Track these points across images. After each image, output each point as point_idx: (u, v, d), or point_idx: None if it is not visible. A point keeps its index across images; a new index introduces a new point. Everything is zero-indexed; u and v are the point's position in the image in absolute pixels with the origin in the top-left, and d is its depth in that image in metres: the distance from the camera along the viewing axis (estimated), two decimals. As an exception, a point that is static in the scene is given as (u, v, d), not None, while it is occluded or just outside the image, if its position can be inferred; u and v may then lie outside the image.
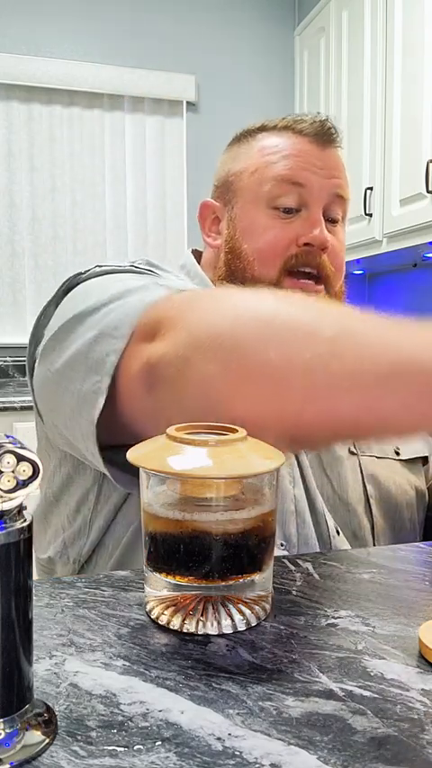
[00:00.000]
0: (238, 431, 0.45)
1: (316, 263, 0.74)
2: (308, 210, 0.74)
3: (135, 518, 0.65)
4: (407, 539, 0.76)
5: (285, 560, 0.54)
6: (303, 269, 0.74)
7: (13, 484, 0.29)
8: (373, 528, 0.72)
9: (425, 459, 0.83)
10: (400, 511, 0.75)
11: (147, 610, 0.44)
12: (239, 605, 0.42)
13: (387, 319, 0.44)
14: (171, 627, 0.42)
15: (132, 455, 0.42)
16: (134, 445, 0.43)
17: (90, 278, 0.65)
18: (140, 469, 0.43)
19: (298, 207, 0.75)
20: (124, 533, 0.66)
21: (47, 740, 0.30)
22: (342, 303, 0.79)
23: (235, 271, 0.77)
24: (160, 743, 0.30)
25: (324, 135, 0.77)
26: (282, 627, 0.42)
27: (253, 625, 0.42)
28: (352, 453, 0.76)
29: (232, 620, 0.42)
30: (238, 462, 0.41)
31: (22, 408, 2.16)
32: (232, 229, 0.79)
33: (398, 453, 0.80)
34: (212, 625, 0.41)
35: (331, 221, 0.76)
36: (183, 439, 0.42)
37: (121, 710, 0.33)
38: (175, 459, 0.41)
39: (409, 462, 0.80)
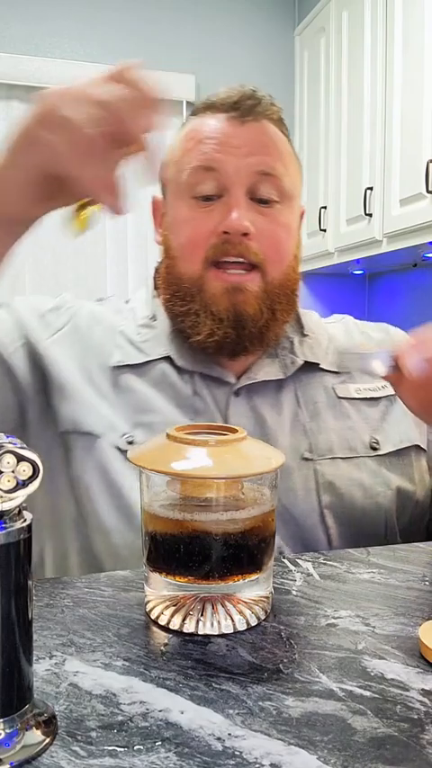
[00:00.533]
0: (238, 431, 0.45)
1: (237, 252, 0.66)
2: (228, 195, 0.67)
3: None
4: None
5: (285, 560, 0.54)
6: (226, 259, 0.67)
7: (13, 484, 0.29)
8: (329, 540, 0.66)
9: (420, 449, 0.74)
10: (370, 517, 0.68)
11: (147, 610, 0.44)
12: (239, 605, 0.42)
13: None
14: (171, 627, 0.42)
15: (133, 455, 0.42)
16: None
17: None
18: (141, 469, 0.43)
19: (218, 193, 0.67)
20: None
21: (47, 740, 0.30)
22: (290, 294, 0.72)
23: (169, 271, 0.72)
24: (160, 743, 0.30)
25: (241, 108, 0.68)
26: (282, 627, 0.42)
27: (253, 625, 0.42)
28: (306, 460, 0.68)
29: (232, 620, 0.42)
30: (238, 462, 0.41)
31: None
32: (165, 225, 0.74)
33: (375, 448, 0.72)
34: (212, 625, 0.41)
35: (262, 202, 0.68)
36: (183, 439, 0.42)
37: (121, 710, 0.33)
38: (176, 460, 0.41)
39: (392, 457, 0.72)
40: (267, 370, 0.71)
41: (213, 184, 0.67)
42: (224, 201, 0.67)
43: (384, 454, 0.71)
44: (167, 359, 0.70)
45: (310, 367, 0.73)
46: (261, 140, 0.68)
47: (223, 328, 0.67)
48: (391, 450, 0.72)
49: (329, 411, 0.71)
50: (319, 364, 0.73)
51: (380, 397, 0.73)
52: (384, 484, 0.70)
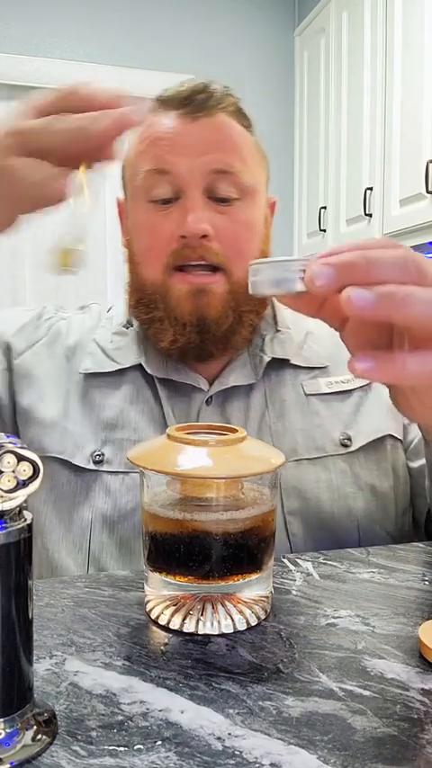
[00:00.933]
0: (238, 431, 0.45)
1: (198, 255, 0.64)
2: (184, 197, 0.64)
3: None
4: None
5: (285, 560, 0.54)
6: (188, 263, 0.64)
7: (13, 484, 0.29)
8: (291, 548, 0.63)
9: (396, 439, 0.70)
10: (339, 521, 0.65)
11: (147, 609, 0.44)
12: (239, 605, 0.42)
13: None
14: (171, 626, 0.42)
15: (133, 455, 0.43)
16: None
17: None
18: (141, 469, 0.43)
19: (174, 195, 0.65)
20: None
21: (47, 740, 0.30)
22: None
23: (132, 277, 0.70)
24: (160, 742, 0.31)
25: (192, 103, 0.65)
26: (282, 627, 0.42)
27: (253, 625, 0.42)
28: None
29: (232, 619, 0.42)
30: (238, 462, 0.41)
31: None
32: (127, 229, 0.72)
33: (346, 445, 0.68)
34: (212, 625, 0.41)
35: (221, 201, 0.65)
36: (183, 439, 0.42)
37: (121, 710, 0.33)
38: (176, 460, 0.41)
39: (366, 451, 0.68)
40: (238, 374, 0.68)
41: (168, 187, 0.65)
42: (181, 204, 0.65)
43: (356, 450, 0.68)
44: (139, 367, 0.69)
45: (280, 364, 0.70)
46: (214, 137, 0.65)
47: (186, 334, 0.65)
48: (363, 443, 0.68)
49: (296, 410, 0.68)
50: (288, 360, 0.70)
51: (352, 390, 0.70)
52: (355, 484, 0.67)
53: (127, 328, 0.72)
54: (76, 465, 0.65)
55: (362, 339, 0.41)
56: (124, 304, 0.74)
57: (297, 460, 0.66)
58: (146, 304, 0.67)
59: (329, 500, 0.65)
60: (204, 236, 0.63)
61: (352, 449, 0.67)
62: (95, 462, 0.65)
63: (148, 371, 0.68)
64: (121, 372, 0.69)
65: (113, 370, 0.69)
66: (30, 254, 2.72)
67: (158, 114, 0.67)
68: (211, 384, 0.69)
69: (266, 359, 0.69)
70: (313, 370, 0.71)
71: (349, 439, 0.68)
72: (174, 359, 0.68)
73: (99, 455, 0.65)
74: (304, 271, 0.37)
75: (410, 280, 0.34)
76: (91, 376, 0.69)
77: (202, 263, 0.64)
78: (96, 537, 0.63)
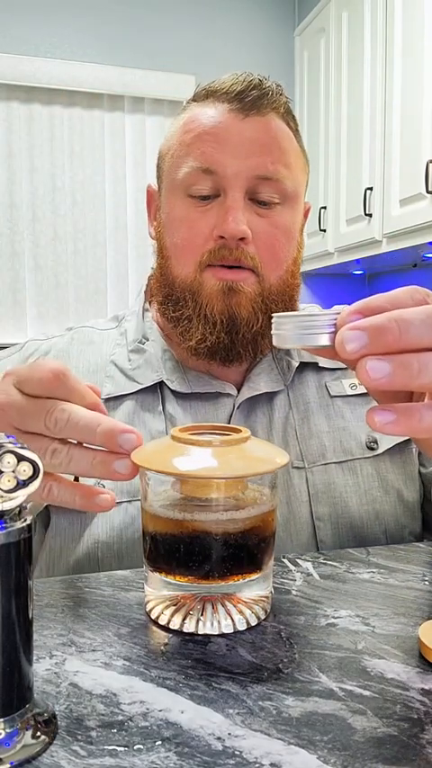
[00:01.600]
0: (241, 431, 0.45)
1: (234, 257, 0.63)
2: (225, 196, 0.63)
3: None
4: None
5: (285, 560, 0.54)
6: (222, 263, 0.63)
7: (13, 484, 0.29)
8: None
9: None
10: (367, 526, 0.65)
11: (147, 609, 0.44)
12: (239, 605, 0.42)
13: None
14: (171, 626, 0.42)
15: (136, 456, 0.42)
16: None
17: None
18: (141, 470, 0.43)
19: (215, 193, 0.64)
20: None
21: (47, 740, 0.30)
22: (287, 301, 0.67)
23: (162, 272, 0.68)
24: (160, 742, 0.30)
25: (246, 98, 0.63)
26: (282, 627, 0.42)
27: (253, 625, 0.42)
28: (297, 468, 0.65)
29: (232, 619, 0.42)
30: (242, 462, 0.41)
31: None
32: (159, 221, 0.70)
33: (372, 448, 0.67)
34: (212, 625, 0.41)
35: (262, 204, 0.64)
36: (186, 439, 0.42)
37: (121, 710, 0.33)
38: (180, 460, 0.41)
39: (392, 454, 0.67)
40: (267, 379, 0.67)
41: (210, 184, 0.63)
42: (221, 202, 0.63)
43: (382, 453, 0.67)
44: (161, 384, 0.67)
45: (306, 366, 0.70)
46: (263, 140, 0.63)
47: (216, 333, 0.64)
48: (388, 446, 0.67)
49: (321, 412, 0.68)
50: (317, 363, 0.69)
51: None
52: (382, 488, 0.66)
53: (143, 343, 0.70)
54: None
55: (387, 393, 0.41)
56: (136, 319, 0.72)
57: (325, 464, 0.66)
58: (175, 301, 0.66)
59: (358, 505, 0.65)
60: (242, 239, 0.62)
61: (378, 452, 0.67)
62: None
63: (171, 387, 0.66)
64: (140, 392, 0.66)
65: (134, 390, 0.66)
66: (29, 253, 2.72)
67: (206, 105, 0.65)
68: (238, 389, 0.67)
69: (295, 363, 0.69)
70: (336, 371, 0.70)
71: (375, 442, 0.67)
72: (199, 359, 0.66)
73: (99, 486, 0.62)
74: (331, 326, 0.37)
75: None
76: (108, 401, 0.66)
77: (237, 265, 0.63)
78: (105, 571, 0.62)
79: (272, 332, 0.40)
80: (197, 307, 0.64)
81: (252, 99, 0.63)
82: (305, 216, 0.73)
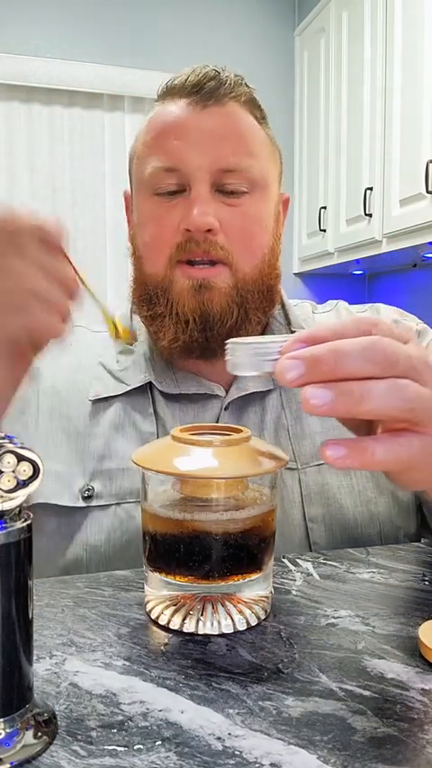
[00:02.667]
0: (242, 431, 0.45)
1: (202, 250, 0.61)
2: (190, 190, 0.62)
3: None
4: None
5: (285, 560, 0.54)
6: (191, 258, 0.62)
7: (13, 484, 0.29)
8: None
9: None
10: (361, 527, 0.64)
11: (147, 609, 0.44)
12: (239, 605, 0.42)
13: None
14: (171, 626, 0.42)
15: (137, 456, 0.42)
16: None
17: None
18: (141, 470, 0.43)
19: (180, 188, 0.63)
20: None
21: (47, 740, 0.30)
22: (265, 292, 0.65)
23: (136, 272, 0.67)
24: (160, 742, 0.30)
25: (202, 91, 0.62)
26: (282, 627, 0.42)
27: (253, 625, 0.42)
28: (289, 469, 0.64)
29: (232, 619, 0.42)
30: (243, 462, 0.41)
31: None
32: (132, 223, 0.69)
33: None
34: (212, 625, 0.41)
35: (229, 194, 0.63)
36: (187, 440, 0.42)
37: (121, 710, 0.33)
38: (180, 460, 0.41)
39: None
40: (256, 380, 0.66)
41: (176, 182, 0.63)
42: (187, 196, 0.62)
43: None
44: (149, 385, 0.66)
45: None
46: (222, 131, 0.62)
47: (189, 331, 0.62)
48: None
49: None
50: None
51: None
52: (377, 488, 0.65)
53: (131, 344, 0.69)
54: (63, 506, 0.62)
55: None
56: (124, 319, 0.71)
57: (318, 465, 0.65)
58: (147, 300, 0.65)
59: (352, 506, 0.64)
60: (209, 231, 0.61)
61: None
62: (84, 498, 0.62)
63: (160, 389, 0.66)
64: (128, 393, 0.66)
65: (122, 392, 0.66)
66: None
67: (166, 102, 0.65)
68: (227, 390, 0.66)
69: None
70: None
71: None
72: (177, 357, 0.65)
73: (88, 490, 0.62)
74: (279, 352, 0.37)
75: (378, 369, 0.34)
76: (92, 403, 0.66)
77: (206, 260, 0.62)
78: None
79: (225, 357, 0.40)
80: (168, 304, 0.63)
81: (209, 90, 0.63)
82: (284, 207, 0.71)
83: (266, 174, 0.65)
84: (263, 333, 0.68)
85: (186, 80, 0.63)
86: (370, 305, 0.79)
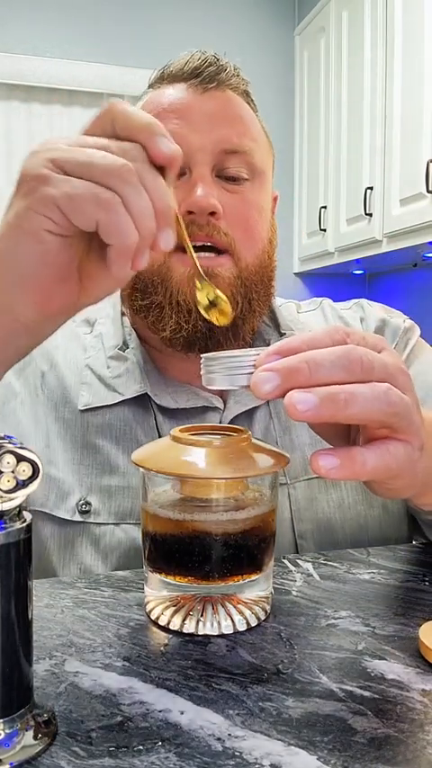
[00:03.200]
0: (242, 431, 0.45)
1: (205, 233, 0.58)
2: (191, 173, 0.60)
3: None
4: None
5: (285, 560, 0.54)
6: (193, 243, 0.57)
7: (12, 484, 0.29)
8: None
9: None
10: (351, 542, 0.63)
11: (146, 610, 0.44)
12: (239, 606, 0.42)
13: None
14: (171, 627, 0.42)
15: (137, 456, 0.42)
16: None
17: None
18: (141, 470, 0.43)
19: (181, 171, 0.59)
20: None
21: (47, 740, 0.30)
22: (267, 282, 0.64)
23: None
24: (160, 743, 0.30)
25: (202, 75, 0.61)
26: (282, 627, 0.42)
27: (253, 625, 0.42)
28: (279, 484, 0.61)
29: (232, 620, 0.42)
30: (243, 463, 0.41)
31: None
32: None
33: None
34: (212, 625, 0.41)
35: (230, 179, 0.61)
36: (187, 440, 0.42)
37: (120, 711, 0.33)
38: (181, 461, 0.41)
39: None
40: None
41: None
42: (188, 179, 0.60)
43: None
44: (145, 396, 0.62)
45: None
46: (225, 112, 0.61)
47: (192, 321, 0.59)
48: None
49: (303, 424, 0.62)
50: None
51: None
52: (366, 501, 0.64)
53: (123, 350, 0.65)
54: (59, 518, 0.59)
55: (324, 426, 0.40)
56: (112, 323, 0.68)
57: (308, 479, 0.63)
58: (142, 289, 0.61)
59: (341, 520, 0.63)
60: (213, 214, 0.58)
61: None
62: (81, 513, 0.59)
63: (157, 402, 0.62)
64: (122, 403, 0.62)
65: (115, 402, 0.62)
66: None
67: (163, 86, 0.63)
68: (223, 399, 0.64)
69: None
70: None
71: None
72: (178, 350, 0.62)
73: (85, 504, 0.59)
74: (253, 366, 0.37)
75: (354, 378, 0.34)
76: (87, 411, 0.62)
77: (209, 243, 0.59)
78: None
79: (201, 372, 0.40)
80: (167, 293, 0.59)
81: (210, 74, 0.61)
82: (274, 204, 0.70)
83: (264, 164, 0.64)
84: (252, 334, 0.66)
85: (185, 65, 0.62)
86: (355, 301, 0.77)
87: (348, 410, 0.33)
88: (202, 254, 0.59)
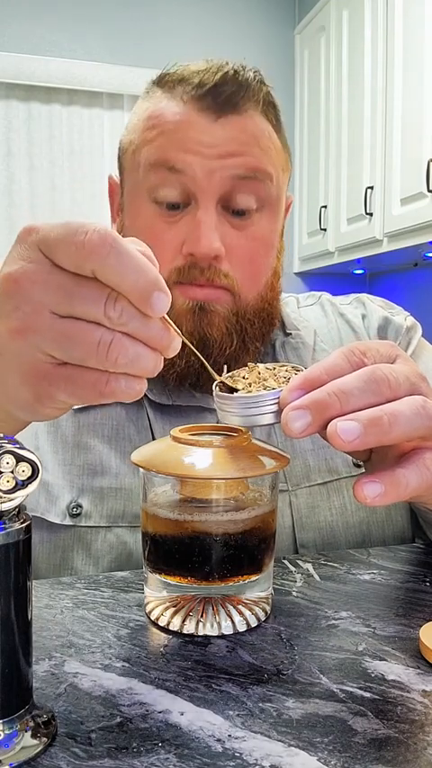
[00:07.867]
0: (242, 432, 0.44)
1: (205, 277, 0.56)
2: (196, 205, 0.56)
3: None
4: None
5: (285, 561, 0.54)
6: (192, 283, 0.57)
7: (12, 484, 0.29)
8: None
9: None
10: (355, 548, 0.61)
11: (146, 611, 0.44)
12: (239, 606, 0.42)
13: None
14: (171, 628, 0.42)
15: (137, 457, 0.42)
16: None
17: None
18: (141, 470, 0.43)
19: (184, 201, 0.56)
20: None
21: (46, 741, 0.30)
22: (266, 318, 0.61)
23: None
24: (160, 744, 0.30)
25: (220, 97, 0.55)
26: (282, 628, 0.42)
27: (253, 626, 0.42)
28: (280, 491, 0.58)
29: (232, 621, 0.41)
30: (243, 463, 0.41)
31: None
32: (121, 224, 0.62)
33: (359, 465, 0.62)
34: (212, 626, 0.41)
35: (237, 213, 0.57)
36: (187, 440, 0.42)
37: (120, 712, 0.33)
38: (181, 461, 0.41)
39: None
40: None
41: (178, 190, 0.56)
42: (192, 214, 0.56)
43: None
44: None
45: None
46: (240, 140, 0.56)
47: (185, 356, 0.56)
48: None
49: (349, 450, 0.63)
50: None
51: None
52: (369, 508, 0.62)
53: None
54: (49, 522, 0.57)
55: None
56: None
57: (309, 486, 0.62)
58: None
59: (344, 528, 0.62)
60: (215, 257, 0.56)
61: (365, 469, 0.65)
62: (72, 516, 0.57)
63: (151, 398, 0.61)
64: (111, 402, 0.62)
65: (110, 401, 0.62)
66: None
67: (174, 96, 0.57)
68: None
69: None
70: None
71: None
72: (169, 385, 0.61)
73: (76, 507, 0.57)
74: (273, 404, 0.36)
75: (384, 399, 0.34)
76: (77, 410, 0.60)
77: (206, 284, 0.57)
78: None
79: (215, 406, 0.39)
80: None
81: (228, 95, 0.56)
82: (286, 210, 0.66)
83: (279, 189, 0.61)
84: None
85: (202, 78, 0.57)
86: (354, 296, 0.76)
87: (393, 432, 0.33)
88: (199, 288, 0.57)
